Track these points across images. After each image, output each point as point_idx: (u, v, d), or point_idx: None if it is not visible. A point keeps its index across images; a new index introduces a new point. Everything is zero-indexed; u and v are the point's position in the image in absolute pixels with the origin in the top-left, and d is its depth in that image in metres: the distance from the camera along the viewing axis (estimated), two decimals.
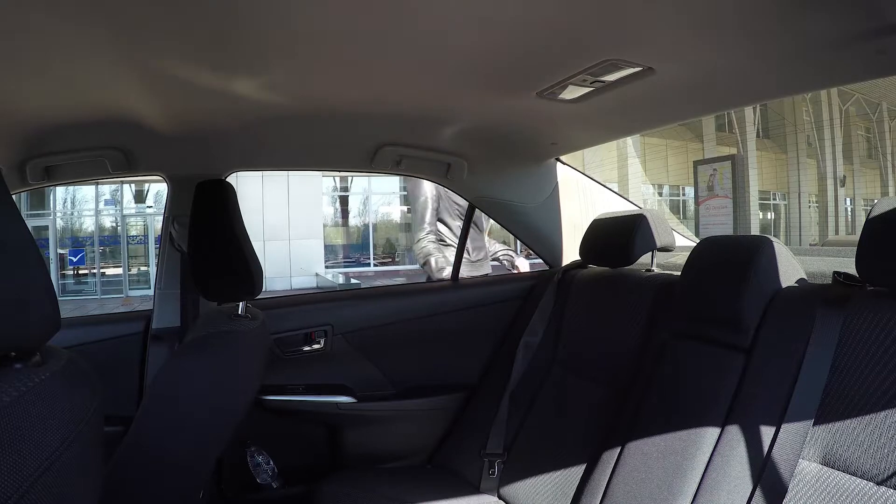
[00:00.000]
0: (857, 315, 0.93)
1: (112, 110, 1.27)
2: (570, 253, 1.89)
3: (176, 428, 1.01)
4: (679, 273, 1.26)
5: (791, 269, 1.13)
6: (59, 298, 0.58)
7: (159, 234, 2.72)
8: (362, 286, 9.34)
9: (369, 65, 1.09)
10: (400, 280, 12.04)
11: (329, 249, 13.45)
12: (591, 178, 2.01)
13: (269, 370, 1.43)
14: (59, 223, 12.34)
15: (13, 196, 0.81)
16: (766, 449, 0.95)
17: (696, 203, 8.82)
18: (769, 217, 14.61)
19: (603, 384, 1.40)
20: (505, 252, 2.57)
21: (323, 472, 1.67)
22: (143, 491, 0.97)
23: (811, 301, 1.00)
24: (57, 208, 12.26)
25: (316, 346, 1.76)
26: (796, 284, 1.12)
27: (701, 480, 1.01)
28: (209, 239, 1.25)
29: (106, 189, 12.27)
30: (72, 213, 12.54)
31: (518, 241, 2.27)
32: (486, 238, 2.51)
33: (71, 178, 1.54)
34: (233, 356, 1.12)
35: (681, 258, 1.45)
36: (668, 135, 12.91)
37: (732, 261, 1.13)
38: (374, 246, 14.23)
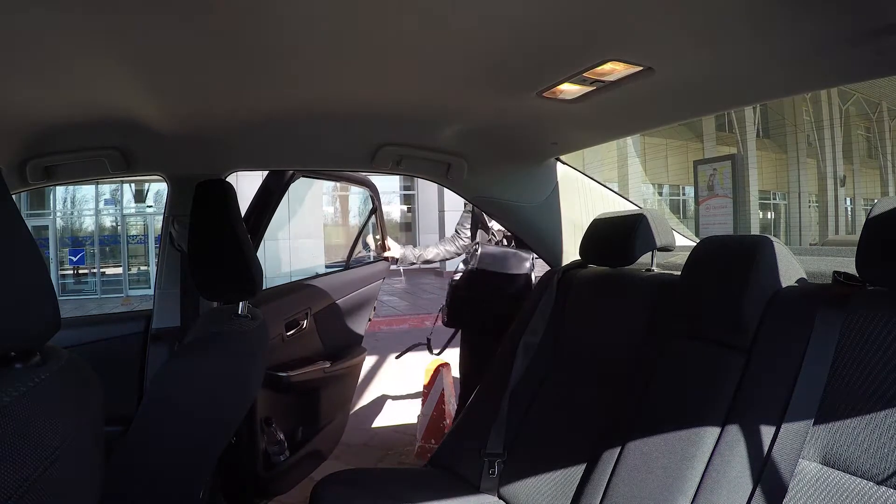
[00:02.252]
0: (857, 315, 0.93)
1: (112, 110, 1.27)
2: (570, 253, 1.89)
3: (176, 427, 1.01)
4: (679, 273, 1.26)
5: (791, 269, 1.13)
6: (59, 298, 0.58)
7: (159, 233, 2.80)
8: None
9: (369, 65, 1.09)
10: (399, 279, 12.04)
11: (329, 249, 13.44)
12: (592, 178, 2.01)
13: (275, 352, 1.79)
14: (59, 223, 12.33)
15: (13, 196, 0.81)
16: (766, 448, 0.95)
17: (696, 203, 8.82)
18: (769, 217, 14.60)
19: (603, 384, 1.40)
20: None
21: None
22: (143, 490, 0.97)
23: (811, 301, 1.00)
24: (57, 208, 12.24)
25: (301, 327, 2.12)
26: (796, 284, 1.12)
27: (701, 480, 1.01)
28: (209, 239, 1.25)
29: (106, 189, 12.25)
30: (72, 213, 12.53)
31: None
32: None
33: (71, 178, 1.54)
34: (233, 356, 1.12)
35: (681, 258, 1.45)
36: (668, 134, 12.90)
37: (732, 261, 1.13)
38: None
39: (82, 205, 12.45)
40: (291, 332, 2.05)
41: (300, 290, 2.22)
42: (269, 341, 1.32)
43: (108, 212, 12.59)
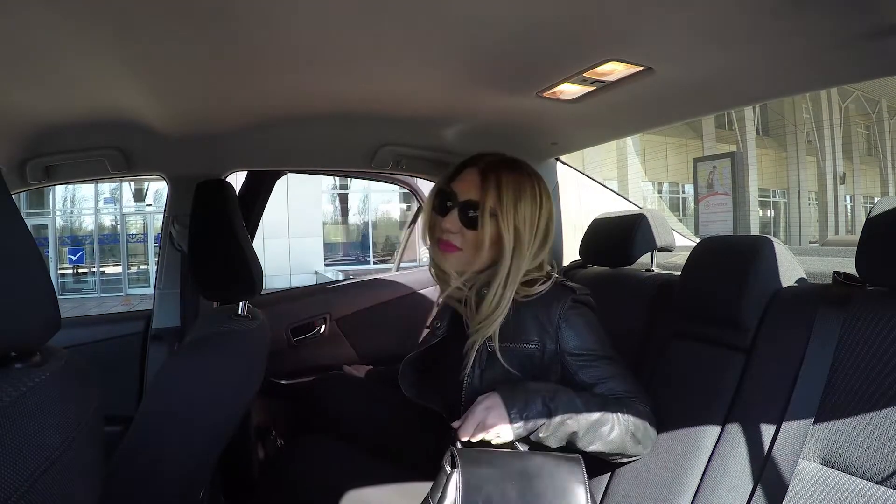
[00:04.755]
0: (857, 315, 0.93)
1: (112, 110, 1.27)
2: (570, 253, 1.89)
3: (175, 428, 1.01)
4: (679, 273, 1.26)
5: (791, 269, 1.13)
6: (59, 297, 0.58)
7: (159, 232, 2.77)
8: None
9: (369, 65, 1.09)
10: None
11: (329, 247, 13.45)
12: (592, 178, 2.01)
13: (279, 358, 1.61)
14: (59, 222, 12.33)
15: (13, 196, 0.81)
16: (766, 448, 0.95)
17: (696, 201, 8.82)
18: (769, 214, 14.60)
19: None
20: None
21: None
22: (143, 491, 0.97)
23: (811, 301, 1.00)
24: (56, 207, 12.24)
25: (317, 332, 1.99)
26: (796, 284, 1.13)
27: (701, 480, 1.01)
28: (209, 239, 1.25)
29: (105, 188, 12.26)
30: (71, 212, 12.53)
31: None
32: None
33: (71, 178, 1.54)
34: (233, 356, 1.12)
35: (681, 258, 1.45)
36: (667, 132, 12.89)
37: (732, 261, 1.13)
38: (374, 244, 14.22)
39: (82, 203, 12.46)
40: (300, 337, 1.96)
41: (313, 294, 2.11)
42: (269, 342, 1.32)
43: (107, 210, 12.59)
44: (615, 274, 1.55)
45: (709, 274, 1.17)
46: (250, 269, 1.23)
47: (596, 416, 1.01)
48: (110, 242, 12.53)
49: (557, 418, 0.99)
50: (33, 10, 0.78)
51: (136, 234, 12.62)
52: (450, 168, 1.22)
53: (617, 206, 1.95)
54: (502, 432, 0.99)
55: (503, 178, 1.11)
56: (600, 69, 1.10)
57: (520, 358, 1.10)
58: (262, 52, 1.00)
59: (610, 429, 1.01)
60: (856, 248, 0.95)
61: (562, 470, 0.96)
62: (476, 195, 1.12)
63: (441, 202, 1.16)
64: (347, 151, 1.69)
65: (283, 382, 1.88)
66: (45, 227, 11.82)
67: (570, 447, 1.02)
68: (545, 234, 1.15)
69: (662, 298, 1.35)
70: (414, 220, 2.57)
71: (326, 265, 12.95)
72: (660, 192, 14.99)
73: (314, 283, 11.87)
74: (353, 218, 14.39)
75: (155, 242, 11.70)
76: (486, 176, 1.12)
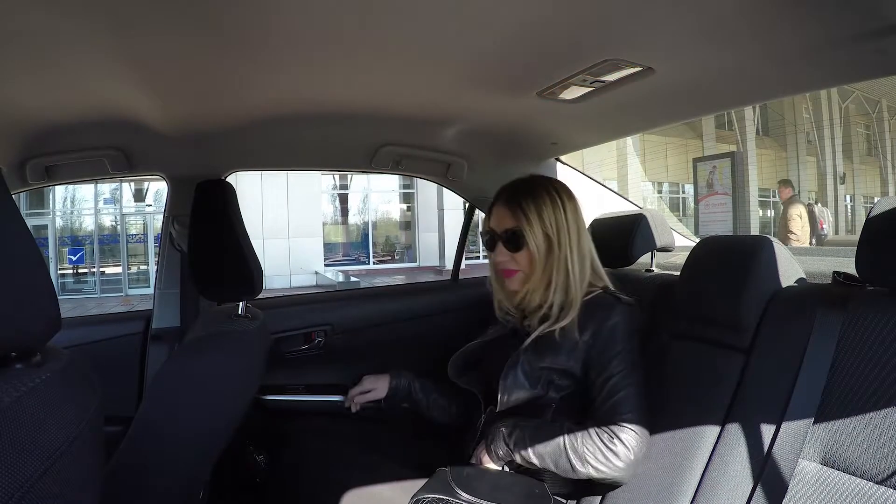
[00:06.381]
0: (857, 315, 0.93)
1: (112, 110, 1.27)
2: None
3: (176, 428, 1.01)
4: (679, 273, 1.26)
5: (791, 269, 1.13)
6: (59, 297, 0.58)
7: (159, 232, 2.74)
8: (361, 285, 9.31)
9: (369, 65, 1.09)
10: (399, 278, 12.06)
11: (328, 247, 13.45)
12: (591, 178, 2.01)
13: (269, 370, 1.42)
14: (59, 222, 12.33)
15: (13, 196, 0.81)
16: (766, 448, 0.95)
17: (696, 201, 8.81)
18: (769, 215, 14.60)
19: None
20: None
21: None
22: (143, 491, 0.97)
23: (811, 301, 1.00)
24: (56, 207, 12.24)
25: (315, 346, 1.80)
26: (796, 284, 1.13)
27: (701, 479, 1.01)
28: (209, 239, 1.25)
29: (105, 188, 12.25)
30: (71, 212, 12.53)
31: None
32: None
33: (71, 178, 1.54)
34: (233, 356, 1.12)
35: (681, 258, 1.45)
36: (667, 132, 12.89)
37: (732, 261, 1.13)
38: (374, 244, 14.22)
39: (82, 204, 12.45)
40: (293, 350, 1.78)
41: (307, 303, 1.93)
42: (269, 342, 1.32)
43: (107, 211, 12.59)
44: (615, 274, 1.55)
45: (708, 274, 1.17)
46: (250, 269, 1.23)
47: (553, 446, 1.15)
48: (110, 243, 12.52)
49: (526, 452, 1.17)
50: (33, 10, 0.78)
51: (136, 235, 12.61)
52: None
53: (618, 206, 1.94)
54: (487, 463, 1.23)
55: (522, 199, 1.24)
56: (600, 69, 1.10)
57: (544, 375, 1.22)
58: (262, 52, 1.00)
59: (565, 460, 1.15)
60: (856, 248, 0.95)
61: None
62: (509, 223, 1.24)
63: (489, 242, 1.29)
64: (347, 151, 1.69)
65: (267, 398, 1.67)
66: (45, 227, 11.81)
67: None
68: (578, 229, 1.26)
69: (662, 299, 1.35)
70: (466, 224, 2.11)
71: (326, 265, 12.95)
72: (660, 192, 14.99)
73: (314, 283, 11.92)
74: (353, 218, 14.38)
75: (155, 243, 11.69)
76: (510, 205, 1.25)
